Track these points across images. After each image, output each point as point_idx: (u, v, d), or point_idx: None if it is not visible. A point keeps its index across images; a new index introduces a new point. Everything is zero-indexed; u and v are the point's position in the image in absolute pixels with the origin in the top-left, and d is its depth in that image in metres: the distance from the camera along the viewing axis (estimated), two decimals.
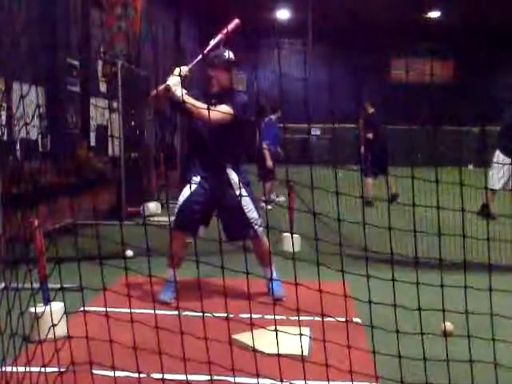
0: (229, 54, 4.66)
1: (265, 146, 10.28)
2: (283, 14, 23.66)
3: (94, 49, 10.34)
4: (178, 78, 4.34)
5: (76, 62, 9.52)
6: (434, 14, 23.35)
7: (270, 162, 10.22)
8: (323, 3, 19.14)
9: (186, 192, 4.64)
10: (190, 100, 4.33)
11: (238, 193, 4.46)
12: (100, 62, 10.64)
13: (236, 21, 4.60)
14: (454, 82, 25.47)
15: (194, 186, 4.59)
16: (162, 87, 4.43)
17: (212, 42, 4.59)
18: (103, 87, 10.70)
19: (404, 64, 25.63)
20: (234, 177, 4.57)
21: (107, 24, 11.09)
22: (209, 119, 4.18)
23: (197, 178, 4.63)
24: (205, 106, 4.22)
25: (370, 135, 10.92)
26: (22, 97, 2.75)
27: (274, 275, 4.57)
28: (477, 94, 22.55)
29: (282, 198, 9.68)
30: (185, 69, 4.41)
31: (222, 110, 4.25)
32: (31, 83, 6.88)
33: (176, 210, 4.71)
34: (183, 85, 4.36)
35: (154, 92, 4.62)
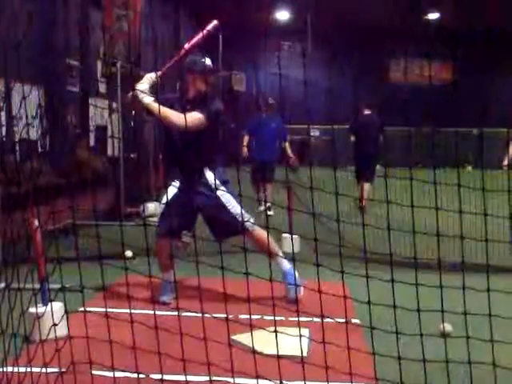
0: (206, 60, 4.63)
1: (245, 142, 10.19)
2: (283, 15, 23.65)
3: (93, 49, 10.34)
4: (148, 84, 4.36)
5: (76, 63, 9.52)
6: (433, 16, 23.37)
7: (245, 151, 10.08)
8: (323, 4, 19.15)
9: (165, 197, 4.67)
10: (157, 107, 4.28)
11: (216, 192, 4.46)
12: (99, 63, 10.64)
13: (214, 22, 4.56)
14: (452, 83, 25.49)
15: (173, 191, 4.58)
16: (129, 94, 4.42)
17: (187, 46, 4.54)
18: (103, 88, 10.70)
19: (403, 66, 25.65)
20: (210, 177, 4.52)
21: (107, 24, 11.08)
22: (176, 125, 4.26)
23: (175, 183, 4.64)
24: (175, 112, 4.25)
25: (353, 138, 10.48)
26: (24, 97, 2.75)
27: (288, 268, 4.54)
28: (476, 96, 22.62)
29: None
30: (153, 76, 4.40)
31: (193, 117, 4.29)
32: (31, 84, 6.88)
33: (158, 216, 4.75)
34: (154, 90, 4.36)
35: (124, 98, 4.61)
